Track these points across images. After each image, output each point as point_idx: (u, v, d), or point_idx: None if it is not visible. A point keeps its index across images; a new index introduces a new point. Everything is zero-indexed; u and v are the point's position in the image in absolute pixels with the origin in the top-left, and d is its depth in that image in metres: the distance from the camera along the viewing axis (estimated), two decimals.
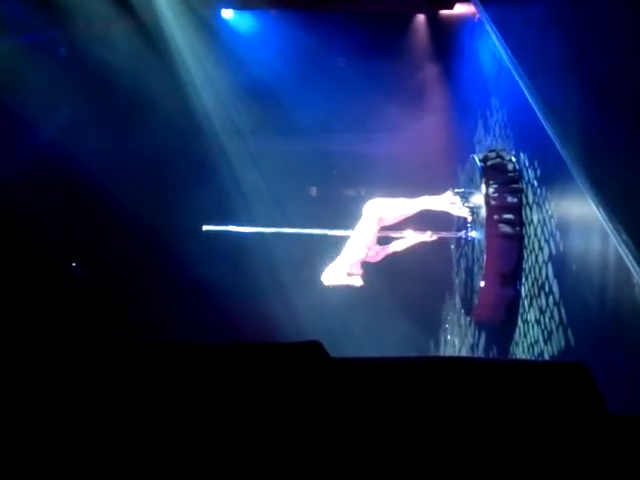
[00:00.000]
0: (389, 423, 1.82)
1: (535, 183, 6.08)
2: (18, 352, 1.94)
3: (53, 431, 1.75)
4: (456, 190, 7.43)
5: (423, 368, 2.00)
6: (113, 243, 10.96)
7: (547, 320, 5.50)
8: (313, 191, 12.44)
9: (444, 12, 10.67)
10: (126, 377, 1.90)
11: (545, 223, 5.69)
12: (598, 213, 4.30)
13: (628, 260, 3.86)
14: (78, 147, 9.89)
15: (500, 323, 6.89)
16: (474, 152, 8.12)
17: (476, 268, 6.96)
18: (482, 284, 6.63)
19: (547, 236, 5.61)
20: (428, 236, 7.39)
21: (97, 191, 10.23)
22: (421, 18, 11.05)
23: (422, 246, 7.79)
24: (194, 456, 1.73)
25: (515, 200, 6.51)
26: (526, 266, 6.25)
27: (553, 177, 5.57)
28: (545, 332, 5.55)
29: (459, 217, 7.62)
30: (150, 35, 9.99)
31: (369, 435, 1.80)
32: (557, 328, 5.24)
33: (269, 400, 1.86)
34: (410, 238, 7.33)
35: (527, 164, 6.38)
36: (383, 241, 7.32)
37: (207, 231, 7.58)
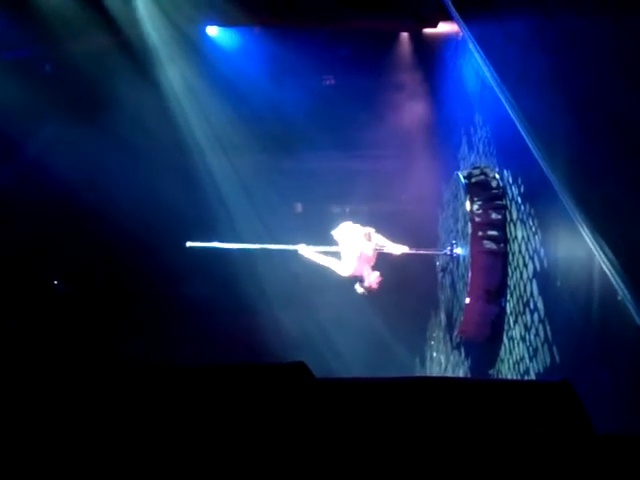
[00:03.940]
0: (374, 445, 1.80)
1: (519, 200, 6.11)
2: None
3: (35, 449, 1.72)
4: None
5: (408, 388, 1.98)
6: (96, 260, 10.87)
7: (532, 337, 5.50)
8: (298, 207, 12.45)
9: (428, 30, 10.78)
10: (113, 399, 1.87)
11: (529, 240, 5.71)
12: (582, 230, 4.31)
13: (612, 276, 3.87)
14: (62, 163, 9.84)
15: (485, 340, 6.88)
16: (458, 169, 8.16)
17: (461, 285, 6.97)
18: (467, 301, 6.63)
19: (531, 253, 5.63)
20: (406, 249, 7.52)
21: (80, 207, 10.17)
22: (405, 36, 11.15)
23: (407, 263, 7.83)
24: (181, 476, 1.70)
25: (499, 217, 6.53)
26: (511, 283, 6.26)
27: (537, 194, 5.60)
28: (530, 349, 5.55)
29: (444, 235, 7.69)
30: (135, 52, 10.00)
31: (354, 456, 1.78)
32: (542, 345, 5.24)
33: (253, 421, 1.83)
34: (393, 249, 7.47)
35: (511, 181, 6.42)
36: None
37: (191, 247, 7.52)
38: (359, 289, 7.42)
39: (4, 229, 9.45)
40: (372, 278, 7.33)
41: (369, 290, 7.39)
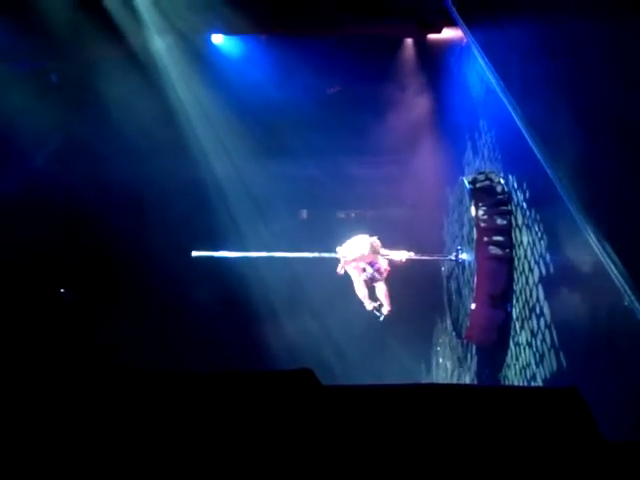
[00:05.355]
0: (380, 451, 1.80)
1: (524, 205, 6.10)
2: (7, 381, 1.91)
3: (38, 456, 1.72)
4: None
5: (414, 395, 1.98)
6: (102, 268, 10.89)
7: (539, 343, 5.48)
8: (304, 214, 12.45)
9: (432, 36, 10.78)
10: (120, 406, 1.87)
11: (535, 245, 5.70)
12: (588, 234, 4.30)
13: (619, 281, 3.85)
14: (68, 173, 9.88)
15: (491, 345, 6.86)
16: (463, 174, 8.16)
17: (467, 290, 6.95)
18: (473, 306, 6.62)
19: (537, 258, 5.61)
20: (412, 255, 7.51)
21: (86, 216, 10.20)
22: (409, 42, 11.15)
23: (412, 269, 7.82)
24: None
25: (504, 222, 6.52)
26: (516, 288, 6.24)
27: (542, 199, 5.59)
28: (537, 355, 5.53)
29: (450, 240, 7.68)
30: (140, 61, 10.03)
31: (361, 463, 1.78)
32: (549, 351, 5.22)
33: (261, 428, 1.83)
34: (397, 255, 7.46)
35: (516, 186, 6.41)
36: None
37: (197, 257, 7.47)
38: (367, 274, 7.34)
39: (11, 237, 9.48)
40: (381, 262, 7.30)
41: (377, 273, 7.30)
